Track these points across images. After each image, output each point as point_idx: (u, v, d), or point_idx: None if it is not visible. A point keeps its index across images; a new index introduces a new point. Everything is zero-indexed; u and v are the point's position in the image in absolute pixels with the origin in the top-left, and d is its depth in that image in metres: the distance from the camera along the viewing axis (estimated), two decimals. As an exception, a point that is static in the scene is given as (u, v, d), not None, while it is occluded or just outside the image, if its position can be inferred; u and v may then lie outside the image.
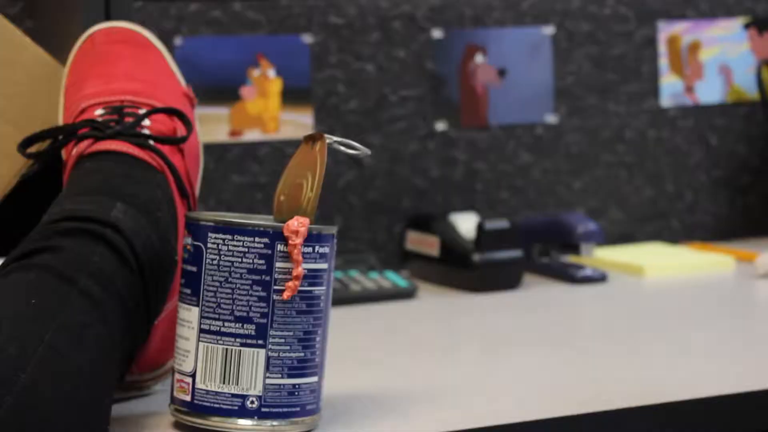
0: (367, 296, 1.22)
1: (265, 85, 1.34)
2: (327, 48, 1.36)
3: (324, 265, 0.78)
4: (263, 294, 0.76)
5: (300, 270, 0.76)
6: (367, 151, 0.81)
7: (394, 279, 1.26)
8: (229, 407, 0.76)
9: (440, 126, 1.41)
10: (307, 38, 1.35)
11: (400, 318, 1.15)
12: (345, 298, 1.21)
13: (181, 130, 0.89)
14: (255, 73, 1.34)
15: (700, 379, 0.91)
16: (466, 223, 1.31)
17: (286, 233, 0.76)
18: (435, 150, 1.40)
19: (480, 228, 1.26)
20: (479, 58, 1.43)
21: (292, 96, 1.35)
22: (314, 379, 0.79)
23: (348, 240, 1.36)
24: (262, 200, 1.33)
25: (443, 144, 1.41)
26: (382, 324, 1.13)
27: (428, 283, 1.31)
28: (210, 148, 1.31)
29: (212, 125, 1.32)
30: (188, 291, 0.78)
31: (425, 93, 1.40)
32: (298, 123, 1.35)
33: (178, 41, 1.30)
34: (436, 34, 1.41)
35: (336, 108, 1.36)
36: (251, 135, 1.33)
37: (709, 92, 1.53)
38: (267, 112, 1.34)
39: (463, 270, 1.26)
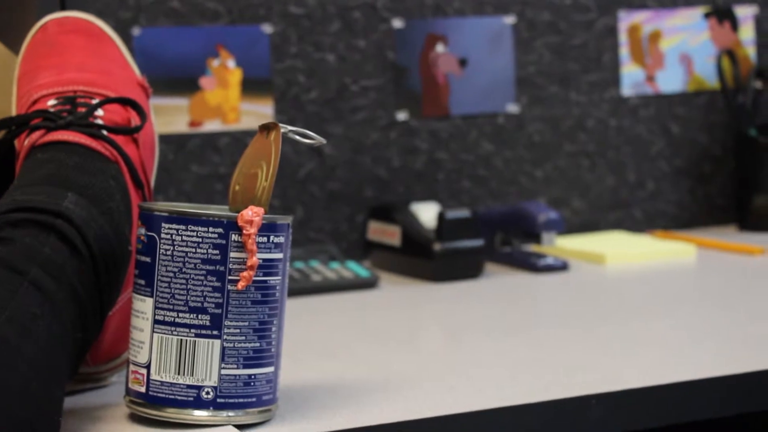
0: (328, 286, 1.21)
1: (224, 76, 1.33)
2: (287, 38, 1.35)
3: (279, 255, 0.77)
4: (218, 284, 0.75)
5: (254, 260, 0.75)
6: (322, 140, 0.81)
7: (356, 269, 1.25)
8: (185, 398, 0.76)
9: (401, 116, 1.41)
10: (267, 28, 1.35)
11: (361, 308, 1.15)
12: (306, 288, 1.21)
13: (135, 120, 0.88)
14: (214, 63, 1.33)
15: (661, 366, 0.91)
16: (427, 213, 1.31)
17: (240, 223, 0.75)
18: (396, 140, 1.40)
19: (441, 217, 1.26)
20: (440, 48, 1.42)
21: (252, 86, 1.34)
22: (270, 369, 0.78)
23: (309, 230, 1.36)
24: (222, 191, 1.32)
25: (405, 134, 1.40)
26: (343, 314, 1.13)
27: (390, 272, 1.31)
28: (170, 139, 1.30)
29: (172, 116, 1.31)
30: (142, 282, 0.77)
31: (386, 83, 1.40)
32: (259, 113, 1.34)
33: (136, 31, 1.29)
34: (397, 23, 1.40)
35: (296, 98, 1.36)
36: (211, 125, 1.33)
37: (670, 81, 1.54)
38: (227, 102, 1.33)
39: (425, 259, 1.26)
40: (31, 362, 0.69)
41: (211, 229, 0.75)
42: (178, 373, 0.76)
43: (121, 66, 0.93)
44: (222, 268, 0.75)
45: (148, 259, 0.77)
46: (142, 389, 0.77)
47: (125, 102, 0.88)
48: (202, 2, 1.32)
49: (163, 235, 0.76)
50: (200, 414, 0.76)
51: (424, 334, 1.05)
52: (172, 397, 0.76)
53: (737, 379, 0.89)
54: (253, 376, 0.77)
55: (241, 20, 1.33)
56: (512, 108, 1.46)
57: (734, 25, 1.57)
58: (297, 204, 1.36)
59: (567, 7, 1.47)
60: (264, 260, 0.76)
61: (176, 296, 0.76)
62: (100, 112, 0.86)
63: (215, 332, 0.76)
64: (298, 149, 1.36)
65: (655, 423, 0.87)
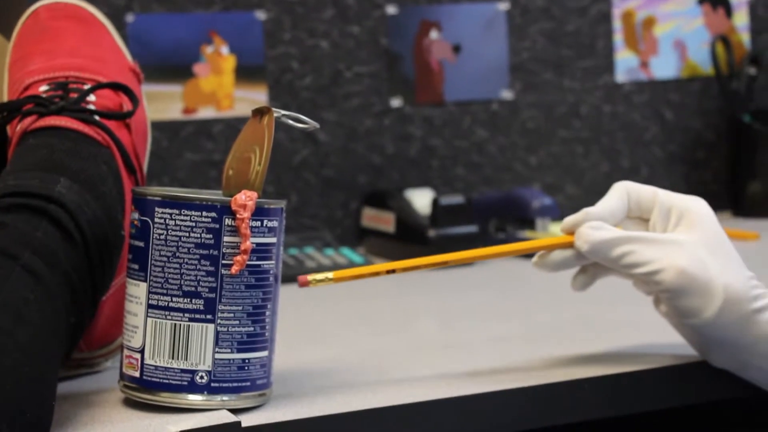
0: (322, 273, 1.21)
1: (218, 62, 1.33)
2: (280, 24, 1.35)
3: (273, 239, 0.77)
4: (211, 268, 0.75)
5: (248, 244, 0.75)
6: (315, 124, 0.80)
7: (350, 256, 1.25)
8: (179, 383, 0.76)
9: (395, 102, 1.40)
10: (261, 15, 1.34)
11: (355, 294, 1.15)
12: (300, 274, 1.20)
13: (127, 105, 0.88)
14: (208, 50, 1.33)
15: (653, 350, 0.91)
16: (421, 200, 1.31)
17: (233, 207, 0.75)
18: (390, 126, 1.40)
19: (435, 204, 1.26)
20: (434, 34, 1.42)
21: (245, 73, 1.34)
22: (264, 353, 0.78)
23: (303, 217, 1.36)
24: (216, 178, 1.32)
25: (399, 120, 1.40)
26: (338, 300, 1.13)
27: (384, 259, 1.31)
28: (164, 126, 1.30)
29: (165, 103, 1.31)
30: (136, 266, 0.77)
31: (380, 69, 1.39)
32: (252, 100, 1.34)
33: (129, 18, 1.29)
34: (391, 9, 1.40)
35: (290, 85, 1.36)
36: (205, 112, 1.33)
37: (664, 67, 1.54)
38: (221, 89, 1.33)
39: (419, 246, 1.26)
40: (24, 347, 0.69)
41: (204, 213, 0.75)
42: (172, 358, 0.76)
43: (112, 51, 0.93)
44: (215, 253, 0.75)
45: (141, 244, 0.77)
46: (136, 374, 0.77)
47: (117, 87, 0.88)
48: (195, -11, 1.31)
49: (156, 220, 0.76)
50: (194, 398, 0.76)
51: (418, 319, 1.05)
52: (167, 381, 0.76)
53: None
54: (247, 360, 0.77)
55: (235, 6, 1.33)
56: (506, 94, 1.45)
57: (728, 11, 1.57)
58: (291, 191, 1.36)
59: (561, -7, 1.47)
60: (257, 244, 0.76)
61: (170, 281, 0.76)
62: (92, 97, 0.86)
63: (209, 316, 0.76)
64: (292, 136, 1.36)
65: (647, 407, 0.87)
